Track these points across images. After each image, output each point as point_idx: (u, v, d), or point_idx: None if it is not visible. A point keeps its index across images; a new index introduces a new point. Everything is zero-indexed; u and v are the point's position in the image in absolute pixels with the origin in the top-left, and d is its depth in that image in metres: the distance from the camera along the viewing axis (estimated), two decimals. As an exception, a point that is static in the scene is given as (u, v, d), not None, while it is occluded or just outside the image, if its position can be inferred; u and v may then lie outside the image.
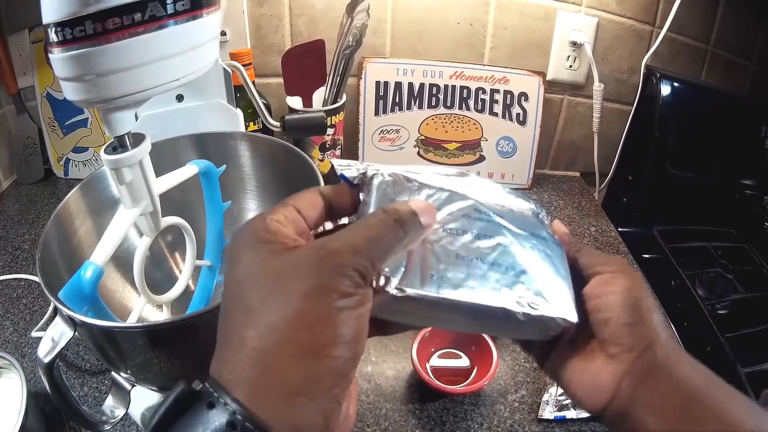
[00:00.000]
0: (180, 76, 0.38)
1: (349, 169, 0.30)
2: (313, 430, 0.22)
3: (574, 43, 0.96)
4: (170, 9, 0.34)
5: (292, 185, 0.61)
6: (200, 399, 0.22)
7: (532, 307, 0.29)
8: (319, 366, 0.22)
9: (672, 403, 0.28)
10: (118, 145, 0.42)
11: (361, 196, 0.30)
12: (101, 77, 0.36)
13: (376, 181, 0.30)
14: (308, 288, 0.23)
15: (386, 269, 0.26)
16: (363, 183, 0.30)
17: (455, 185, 0.32)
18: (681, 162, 0.98)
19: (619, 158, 1.05)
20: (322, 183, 0.52)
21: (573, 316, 0.30)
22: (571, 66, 0.99)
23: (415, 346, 0.62)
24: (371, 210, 0.28)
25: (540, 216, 0.35)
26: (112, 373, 0.52)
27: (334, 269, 0.23)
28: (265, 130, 0.86)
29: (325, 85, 0.88)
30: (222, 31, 0.90)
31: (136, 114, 0.66)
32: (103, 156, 0.42)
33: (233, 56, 0.83)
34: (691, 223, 1.01)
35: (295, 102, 0.91)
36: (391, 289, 0.26)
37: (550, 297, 0.30)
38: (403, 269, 0.27)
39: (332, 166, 0.32)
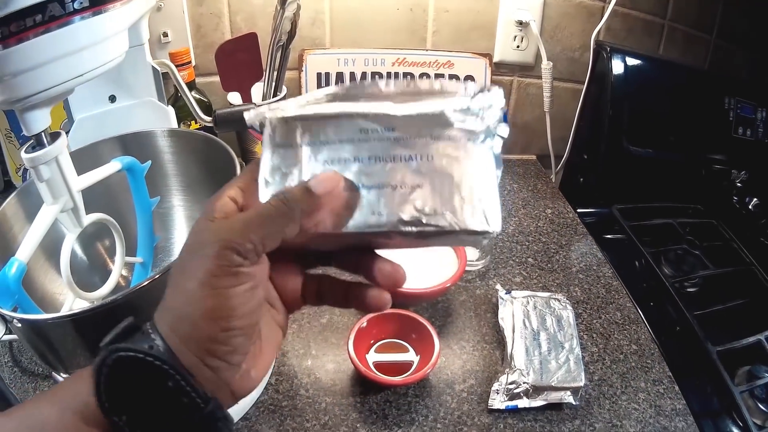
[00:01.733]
0: (90, 68, 0.44)
1: (253, 118, 0.35)
2: (206, 379, 0.30)
3: (521, 23, 1.03)
4: (69, 8, 0.40)
5: (215, 175, 0.66)
6: (138, 329, 0.31)
7: (423, 224, 0.31)
8: (197, 333, 0.30)
9: None
10: (36, 143, 0.48)
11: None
12: (15, 77, 0.42)
13: (266, 132, 0.34)
14: (195, 267, 0.30)
15: None
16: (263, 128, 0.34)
17: (343, 106, 0.33)
18: (639, 138, 1.05)
19: (573, 138, 1.13)
20: (238, 170, 0.57)
21: (483, 225, 0.31)
22: (518, 46, 1.06)
23: (351, 337, 0.66)
24: (263, 167, 0.33)
25: (465, 109, 0.33)
26: (54, 374, 0.57)
27: (213, 250, 0.29)
28: (207, 129, 0.92)
29: (263, 79, 0.94)
30: (163, 32, 0.96)
31: (72, 117, 0.72)
32: (22, 155, 0.48)
33: (172, 56, 0.88)
34: (654, 200, 1.07)
35: (235, 98, 0.97)
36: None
37: (453, 208, 0.31)
38: None
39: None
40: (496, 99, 0.33)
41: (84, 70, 0.44)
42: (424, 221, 0.31)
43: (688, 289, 0.90)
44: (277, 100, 0.33)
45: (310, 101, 0.34)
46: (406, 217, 0.31)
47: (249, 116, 0.35)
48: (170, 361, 0.29)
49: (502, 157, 0.34)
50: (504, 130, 0.33)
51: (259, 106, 0.35)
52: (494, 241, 0.92)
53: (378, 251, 0.35)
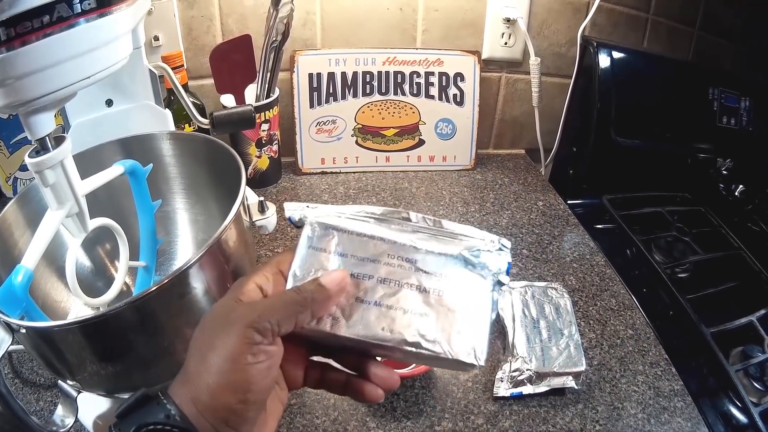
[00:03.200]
0: (95, 71, 0.44)
1: (294, 212, 0.41)
2: None
3: (508, 20, 1.04)
4: (77, 8, 0.40)
5: (217, 178, 0.66)
6: (153, 399, 0.33)
7: (423, 348, 0.36)
8: (215, 403, 0.32)
9: None
10: (40, 147, 0.47)
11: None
12: (19, 80, 0.41)
13: (305, 231, 0.40)
14: (221, 343, 0.33)
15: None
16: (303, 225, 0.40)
17: (377, 229, 0.39)
18: (627, 130, 1.06)
19: (562, 131, 1.14)
20: (243, 172, 0.57)
21: (476, 359, 0.36)
22: (506, 43, 1.07)
23: None
24: (296, 262, 0.38)
25: (477, 254, 0.39)
26: (59, 381, 0.57)
27: (238, 328, 0.33)
28: (202, 131, 0.92)
29: (256, 80, 0.94)
30: (155, 36, 0.96)
31: (68, 122, 0.71)
32: (27, 160, 0.47)
33: (165, 59, 0.88)
34: (643, 189, 1.09)
35: (228, 100, 0.97)
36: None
37: (449, 339, 0.37)
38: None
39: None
40: (506, 254, 0.39)
41: (90, 72, 0.44)
42: (423, 345, 0.36)
43: (680, 275, 0.91)
44: (312, 207, 0.42)
45: (347, 214, 0.40)
46: (409, 338, 0.36)
47: (290, 210, 0.41)
48: (190, 429, 0.32)
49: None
50: (506, 279, 0.39)
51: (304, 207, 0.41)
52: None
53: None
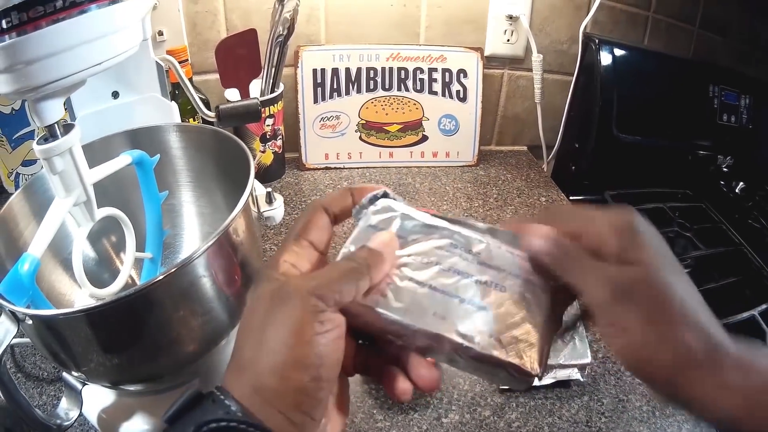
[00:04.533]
0: (105, 58, 0.43)
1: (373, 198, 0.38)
2: None
3: (511, 17, 1.04)
4: (90, -6, 0.40)
5: (224, 170, 0.66)
6: (207, 397, 0.30)
7: (475, 343, 0.32)
8: (285, 385, 0.29)
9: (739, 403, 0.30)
10: (49, 135, 0.47)
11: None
12: (29, 65, 0.40)
13: (367, 211, 0.37)
14: (280, 317, 0.30)
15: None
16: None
17: (441, 221, 0.37)
18: (628, 126, 1.06)
19: (564, 128, 1.13)
20: (252, 165, 0.56)
21: (531, 367, 0.32)
22: (508, 40, 1.07)
23: None
24: (350, 238, 0.36)
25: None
26: (63, 374, 0.56)
27: (299, 298, 0.30)
28: (208, 124, 0.91)
29: (261, 75, 0.93)
30: (159, 31, 0.95)
31: (74, 114, 0.71)
32: (35, 147, 0.47)
33: (169, 54, 0.87)
34: (644, 186, 1.08)
35: (233, 95, 0.97)
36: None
37: (506, 340, 0.33)
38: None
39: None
40: None
41: (100, 59, 0.43)
42: (476, 341, 0.32)
43: (681, 270, 0.91)
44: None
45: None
46: (462, 329, 0.33)
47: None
48: (259, 424, 0.29)
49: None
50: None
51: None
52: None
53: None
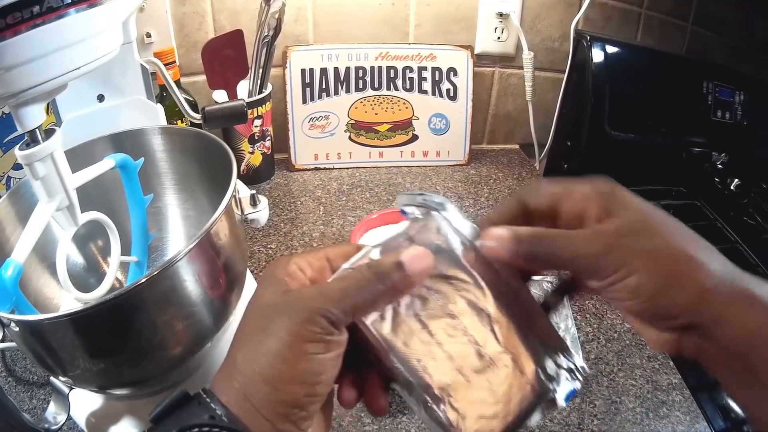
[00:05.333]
0: (85, 62, 0.43)
1: (409, 207, 0.36)
2: None
3: (501, 14, 1.05)
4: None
5: (209, 172, 0.66)
6: (193, 399, 0.30)
7: (440, 410, 0.32)
8: (277, 396, 0.29)
9: (734, 362, 0.30)
10: (30, 140, 0.47)
11: None
12: (8, 71, 0.41)
13: (414, 216, 0.36)
14: (282, 329, 0.29)
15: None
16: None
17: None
18: (621, 124, 1.06)
19: (555, 126, 1.14)
20: (234, 164, 0.57)
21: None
22: (499, 38, 1.07)
23: None
24: (379, 241, 0.34)
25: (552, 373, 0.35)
26: (51, 378, 0.56)
27: (305, 315, 0.29)
28: (194, 126, 0.92)
29: (249, 76, 0.94)
30: (147, 33, 0.95)
31: (60, 118, 0.71)
32: (17, 152, 0.47)
33: (157, 56, 0.87)
34: (638, 184, 1.08)
35: (221, 96, 0.97)
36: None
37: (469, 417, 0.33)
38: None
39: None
40: (577, 383, 0.35)
41: (80, 63, 0.43)
42: (437, 407, 0.33)
43: (676, 269, 0.91)
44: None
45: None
46: (434, 386, 0.33)
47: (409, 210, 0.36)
48: (242, 430, 0.28)
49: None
50: (561, 402, 0.34)
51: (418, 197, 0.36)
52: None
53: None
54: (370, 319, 0.32)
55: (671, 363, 0.70)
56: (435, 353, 0.33)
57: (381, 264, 0.32)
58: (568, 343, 0.65)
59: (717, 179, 1.07)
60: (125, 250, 0.63)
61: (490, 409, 0.33)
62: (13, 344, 0.69)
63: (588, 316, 0.76)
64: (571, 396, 0.34)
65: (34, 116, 0.45)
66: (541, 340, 0.35)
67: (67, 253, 0.53)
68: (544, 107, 1.14)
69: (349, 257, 0.34)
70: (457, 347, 0.33)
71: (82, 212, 0.54)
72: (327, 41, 1.03)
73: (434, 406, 0.32)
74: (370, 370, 0.34)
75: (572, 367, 0.34)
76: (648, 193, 1.05)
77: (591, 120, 1.05)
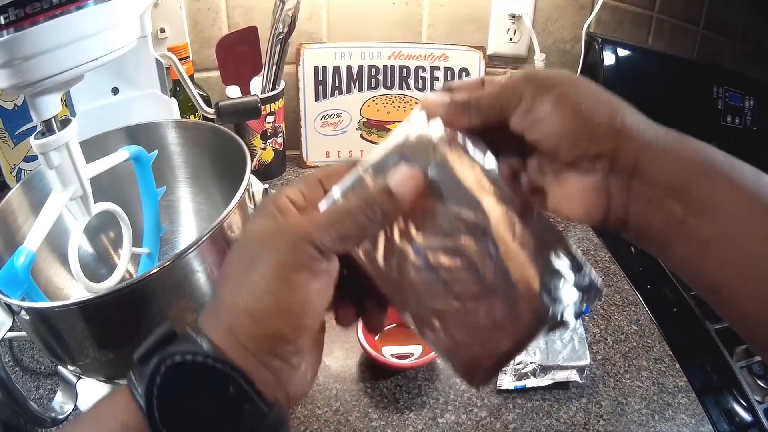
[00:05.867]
0: (102, 54, 0.44)
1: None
2: (265, 382, 0.28)
3: (513, 16, 1.04)
4: (86, -10, 0.40)
5: (222, 166, 0.66)
6: (178, 336, 0.28)
7: (429, 337, 0.32)
8: (263, 330, 0.27)
9: (665, 195, 0.29)
10: (46, 129, 0.47)
11: None
12: (27, 61, 0.41)
13: (402, 127, 0.33)
14: (267, 260, 0.28)
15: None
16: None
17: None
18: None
19: (567, 129, 1.14)
20: (248, 158, 0.57)
21: (464, 381, 0.33)
22: (511, 39, 1.07)
23: (360, 322, 0.65)
24: (369, 159, 0.32)
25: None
26: (59, 367, 0.57)
27: (291, 243, 0.28)
28: (208, 121, 0.92)
29: (262, 72, 0.94)
30: (161, 28, 0.96)
31: (74, 110, 0.71)
32: (32, 141, 0.47)
33: (170, 51, 0.87)
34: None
35: (234, 92, 0.97)
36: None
37: (457, 346, 0.32)
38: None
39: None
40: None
41: (97, 54, 0.44)
42: (429, 336, 0.32)
43: (683, 271, 0.91)
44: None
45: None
46: (429, 316, 0.32)
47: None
48: (231, 362, 0.27)
49: None
50: (571, 320, 0.32)
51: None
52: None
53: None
54: (361, 247, 0.31)
55: (677, 365, 0.69)
56: (429, 280, 0.32)
57: (368, 189, 0.30)
58: (576, 342, 0.65)
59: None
60: (137, 242, 0.63)
61: (487, 336, 0.32)
62: (21, 333, 0.69)
63: (596, 317, 0.76)
64: (582, 315, 0.32)
65: (51, 106, 0.46)
66: (548, 263, 0.31)
67: (79, 243, 0.53)
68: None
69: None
70: (453, 272, 0.31)
71: (95, 203, 0.54)
72: (340, 39, 1.03)
73: (430, 334, 0.32)
74: (367, 293, 0.33)
75: (585, 286, 0.31)
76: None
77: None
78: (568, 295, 0.31)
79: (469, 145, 0.32)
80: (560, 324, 0.31)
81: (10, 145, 1.03)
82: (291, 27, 0.89)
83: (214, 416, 0.27)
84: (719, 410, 0.68)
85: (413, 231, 0.32)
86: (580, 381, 0.65)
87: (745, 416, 0.67)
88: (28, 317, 0.48)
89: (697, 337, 0.75)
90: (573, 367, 0.64)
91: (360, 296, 0.34)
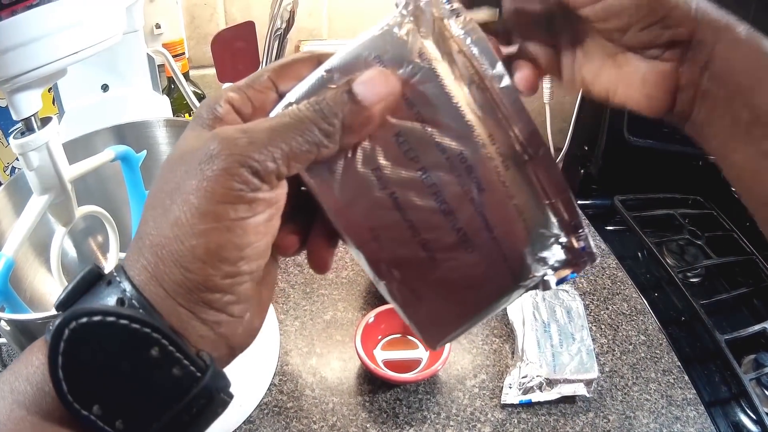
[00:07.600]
0: (82, 47, 0.41)
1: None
2: (199, 338, 0.23)
3: None
4: (64, -22, 0.37)
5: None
6: (102, 279, 0.23)
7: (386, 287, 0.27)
8: (192, 280, 0.22)
9: (735, 95, 0.27)
10: (25, 128, 0.44)
11: None
12: (3, 54, 0.38)
13: (380, 25, 0.27)
14: (191, 190, 0.22)
15: None
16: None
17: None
18: (639, 129, 1.03)
19: (573, 130, 1.10)
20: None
21: (422, 340, 0.28)
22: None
23: (359, 333, 0.62)
24: (332, 60, 0.25)
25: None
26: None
27: (219, 167, 0.21)
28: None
29: (259, 69, 0.91)
30: (156, 24, 0.92)
31: (63, 108, 0.68)
32: (11, 141, 0.44)
33: (165, 47, 0.84)
34: (655, 191, 1.05)
35: (230, 90, 0.94)
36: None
37: (420, 300, 0.28)
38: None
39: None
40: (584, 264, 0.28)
41: (78, 47, 0.41)
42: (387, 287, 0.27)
43: (691, 279, 0.88)
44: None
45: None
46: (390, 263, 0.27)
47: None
48: (151, 321, 0.21)
49: None
50: (552, 282, 0.27)
51: None
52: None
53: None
54: (314, 171, 0.24)
55: (686, 377, 0.66)
56: (394, 222, 0.25)
57: (327, 97, 0.23)
58: (584, 354, 0.62)
59: (733, 189, 1.03)
60: (125, 247, 0.60)
61: (455, 294, 0.27)
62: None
63: (603, 326, 0.73)
64: (565, 281, 0.27)
65: (30, 103, 0.43)
66: (540, 218, 0.26)
67: (63, 248, 0.50)
68: (561, 111, 1.11)
69: (302, 78, 0.25)
70: (423, 215, 0.26)
71: (80, 205, 0.51)
72: (341, 36, 1.00)
73: (387, 283, 0.26)
74: (317, 223, 0.27)
75: (577, 249, 0.27)
76: (664, 202, 1.03)
77: (609, 125, 1.02)
78: (556, 256, 0.27)
79: (474, 48, 0.25)
80: (538, 287, 0.27)
81: (3, 144, 1.00)
82: (290, 22, 0.86)
83: (134, 387, 0.22)
84: (727, 422, 0.66)
85: (380, 157, 0.25)
86: (587, 395, 0.62)
87: (754, 429, 0.65)
88: (8, 328, 0.46)
89: (706, 348, 0.73)
90: (581, 381, 0.62)
91: (306, 224, 0.27)
